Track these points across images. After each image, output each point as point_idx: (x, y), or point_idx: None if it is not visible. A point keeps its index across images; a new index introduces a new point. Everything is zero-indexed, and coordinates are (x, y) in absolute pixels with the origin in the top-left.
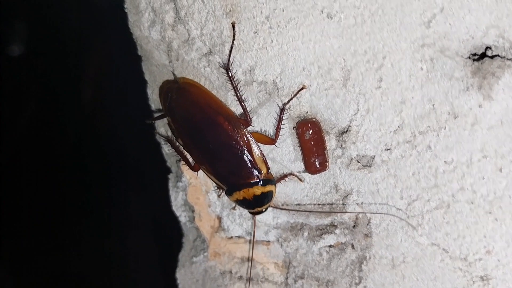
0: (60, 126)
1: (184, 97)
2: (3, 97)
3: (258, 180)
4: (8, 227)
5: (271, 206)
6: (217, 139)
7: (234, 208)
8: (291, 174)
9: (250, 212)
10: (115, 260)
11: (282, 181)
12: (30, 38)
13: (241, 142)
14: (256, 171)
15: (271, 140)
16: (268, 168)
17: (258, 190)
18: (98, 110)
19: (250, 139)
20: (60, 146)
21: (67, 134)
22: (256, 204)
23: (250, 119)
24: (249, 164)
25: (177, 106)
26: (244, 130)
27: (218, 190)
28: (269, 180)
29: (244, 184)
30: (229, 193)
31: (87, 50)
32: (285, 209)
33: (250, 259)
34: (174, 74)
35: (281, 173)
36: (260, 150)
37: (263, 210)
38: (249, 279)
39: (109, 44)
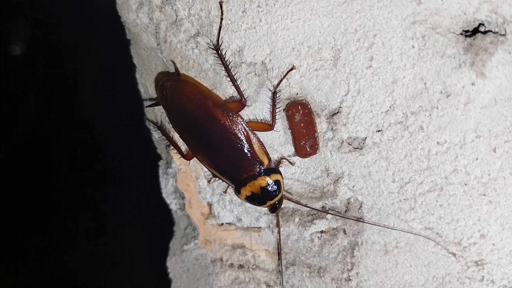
0: (57, 122)
1: (178, 94)
2: (2, 96)
3: (260, 171)
4: (3, 226)
5: (287, 199)
6: (215, 133)
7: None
8: (282, 158)
9: (269, 211)
10: (106, 250)
11: (293, 168)
12: (30, 37)
13: (240, 134)
14: (257, 162)
15: (268, 126)
16: (269, 159)
17: (263, 181)
18: (92, 99)
19: (249, 130)
20: (57, 140)
21: (63, 129)
22: (267, 197)
23: (245, 99)
24: (249, 156)
25: (172, 103)
26: (242, 122)
27: (212, 178)
28: (273, 169)
29: (248, 177)
30: (237, 191)
31: (84, 46)
32: (300, 203)
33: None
34: (175, 66)
35: (272, 158)
36: (260, 141)
37: (277, 204)
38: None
39: (105, 33)
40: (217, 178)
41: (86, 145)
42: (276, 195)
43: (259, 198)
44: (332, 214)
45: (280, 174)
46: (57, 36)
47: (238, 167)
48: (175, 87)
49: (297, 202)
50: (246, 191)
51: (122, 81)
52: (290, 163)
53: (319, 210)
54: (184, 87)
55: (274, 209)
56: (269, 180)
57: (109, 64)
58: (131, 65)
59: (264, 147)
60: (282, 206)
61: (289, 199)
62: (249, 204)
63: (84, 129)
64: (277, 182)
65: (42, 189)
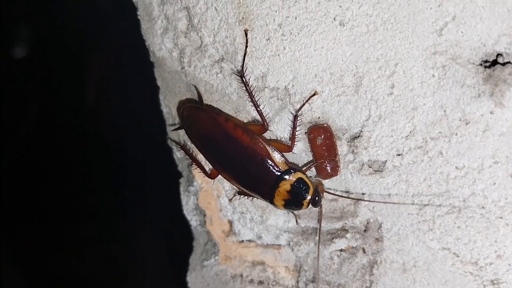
0: (62, 125)
1: (197, 122)
2: (7, 98)
3: (279, 176)
4: (11, 228)
5: (327, 192)
6: (237, 152)
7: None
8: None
9: (313, 206)
10: (126, 263)
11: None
12: (33, 40)
13: (261, 152)
14: (276, 170)
15: (287, 148)
16: (288, 164)
17: (286, 185)
18: (107, 115)
19: (268, 147)
20: (68, 151)
21: (69, 132)
22: (299, 198)
23: (267, 123)
24: (270, 168)
25: (192, 131)
26: (262, 140)
27: (234, 196)
28: (290, 169)
29: (273, 187)
30: (273, 205)
31: (92, 55)
32: (336, 195)
33: (319, 236)
34: (198, 91)
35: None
36: (282, 155)
37: (317, 198)
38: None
39: (119, 50)
40: (240, 197)
41: (107, 161)
42: (307, 192)
43: (293, 202)
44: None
45: (300, 171)
46: (61, 39)
47: (263, 181)
48: (192, 116)
49: (339, 195)
50: (278, 201)
51: (146, 101)
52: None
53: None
54: (201, 114)
55: (315, 203)
56: (292, 180)
57: (132, 83)
58: (153, 85)
59: (286, 160)
60: (302, 226)
61: (330, 193)
62: (269, 223)
63: (97, 136)
64: (300, 180)
65: (51, 191)
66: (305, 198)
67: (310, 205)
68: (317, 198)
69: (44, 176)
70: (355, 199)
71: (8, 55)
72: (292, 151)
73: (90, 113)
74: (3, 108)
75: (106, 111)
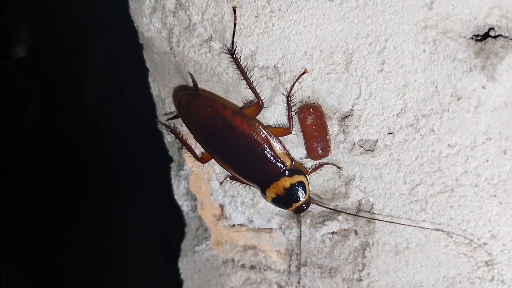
0: (62, 124)
1: (195, 108)
2: (6, 98)
3: (283, 171)
4: (10, 228)
5: (315, 203)
6: (237, 141)
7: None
8: (327, 163)
9: (294, 212)
10: (117, 250)
11: (316, 171)
12: (34, 39)
13: (260, 139)
14: (279, 164)
15: (286, 130)
16: (292, 160)
17: (286, 182)
18: (98, 102)
19: (268, 134)
20: (61, 142)
21: (69, 131)
22: (291, 199)
23: (262, 101)
24: (272, 158)
25: (191, 118)
26: (261, 127)
27: (224, 179)
28: (296, 170)
29: (271, 179)
30: (263, 193)
31: (90, 46)
32: (329, 208)
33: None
34: (192, 78)
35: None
36: (281, 143)
37: (304, 206)
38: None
39: (113, 37)
40: (231, 181)
41: (96, 147)
42: (302, 198)
43: (284, 200)
44: (366, 217)
45: (304, 175)
46: (61, 37)
47: (262, 171)
48: (191, 102)
49: (326, 207)
50: (270, 192)
51: (134, 84)
52: (338, 167)
53: (350, 214)
54: (200, 101)
55: (300, 211)
56: (293, 181)
57: (120, 67)
58: (143, 68)
59: (286, 149)
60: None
61: (318, 204)
62: (260, 206)
63: (93, 131)
64: (300, 184)
65: (50, 191)
66: (297, 202)
67: (294, 210)
68: (304, 207)
69: (41, 175)
70: (343, 212)
71: (8, 54)
72: (292, 132)
73: (89, 110)
74: (2, 107)
75: (105, 110)
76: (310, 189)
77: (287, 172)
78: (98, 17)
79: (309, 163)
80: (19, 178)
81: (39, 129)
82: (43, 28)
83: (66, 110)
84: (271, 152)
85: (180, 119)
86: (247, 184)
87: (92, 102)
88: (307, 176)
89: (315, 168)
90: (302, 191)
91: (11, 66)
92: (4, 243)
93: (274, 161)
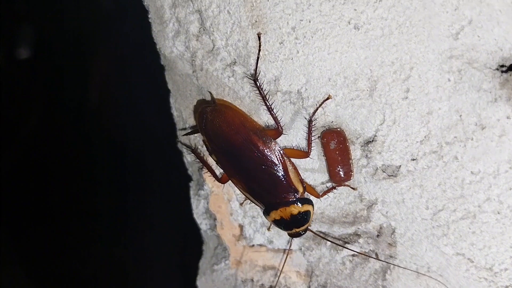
0: (70, 130)
1: (218, 118)
2: (10, 99)
3: (295, 199)
4: (18, 229)
5: (310, 231)
6: (252, 159)
7: (269, 229)
8: (339, 185)
9: (289, 234)
10: (135, 267)
11: (327, 194)
12: (37, 41)
13: (276, 161)
14: (292, 190)
15: (304, 154)
16: (304, 188)
17: (295, 210)
18: (111, 117)
19: (285, 157)
20: (73, 153)
21: (78, 130)
22: (294, 225)
23: (281, 127)
24: (285, 183)
25: (212, 127)
26: (279, 149)
27: (244, 201)
28: (307, 200)
29: (281, 203)
30: (266, 213)
31: (96, 57)
32: (323, 238)
33: (278, 276)
34: (211, 95)
35: (315, 185)
36: (296, 168)
37: (302, 232)
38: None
39: (123, 52)
40: (249, 202)
41: (113, 151)
42: (303, 225)
43: (286, 223)
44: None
45: (312, 205)
46: (65, 40)
47: (273, 193)
48: (216, 112)
49: (318, 235)
50: (275, 215)
51: (156, 104)
52: (352, 188)
53: (338, 244)
54: (224, 111)
55: (296, 235)
56: (301, 209)
57: (142, 86)
58: (164, 89)
59: (300, 175)
60: (314, 230)
61: (312, 231)
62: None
63: (110, 134)
64: (307, 213)
65: (62, 192)
66: (298, 228)
67: (291, 233)
68: (302, 233)
69: (48, 177)
70: (337, 244)
71: (12, 56)
72: (309, 156)
73: (94, 115)
74: (7, 108)
75: (110, 114)
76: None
77: (299, 201)
78: (104, 17)
79: (320, 187)
80: (22, 178)
81: (43, 130)
82: (46, 29)
83: (71, 113)
84: (285, 176)
85: (199, 140)
86: (254, 203)
87: (98, 104)
88: (313, 206)
89: (327, 191)
90: (306, 219)
91: (14, 68)
92: (8, 244)
93: (287, 185)
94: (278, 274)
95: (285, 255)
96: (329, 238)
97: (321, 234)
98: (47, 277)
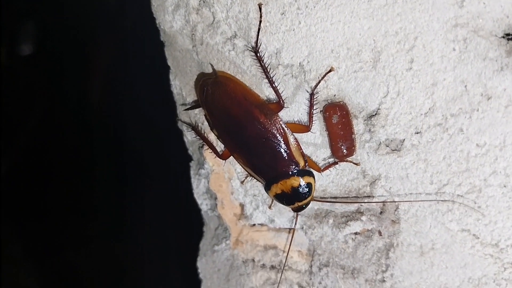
0: (69, 121)
1: (219, 91)
2: (13, 95)
3: (295, 171)
4: (18, 226)
5: (314, 200)
6: (254, 132)
7: (270, 207)
8: (341, 161)
9: (292, 209)
10: (135, 249)
11: (329, 169)
12: (40, 37)
13: (278, 134)
14: (293, 163)
15: (305, 128)
16: (305, 161)
17: (295, 182)
18: (115, 97)
19: (287, 131)
20: (69, 139)
21: (76, 128)
22: (296, 198)
23: (283, 100)
24: (286, 156)
25: (213, 99)
26: (280, 122)
27: (246, 178)
28: (307, 171)
29: (281, 175)
30: (267, 188)
31: (98, 47)
32: (329, 201)
33: (286, 257)
34: (213, 67)
35: (317, 160)
36: (297, 142)
37: (304, 205)
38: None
39: (126, 41)
40: (251, 178)
41: (106, 144)
42: (306, 198)
43: (288, 197)
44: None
45: (313, 177)
46: (68, 34)
47: (274, 166)
48: (217, 84)
49: (327, 201)
50: (276, 188)
51: (154, 82)
52: (355, 163)
53: (348, 202)
54: (225, 83)
55: (299, 210)
56: (302, 181)
57: (141, 63)
58: (164, 66)
59: (301, 149)
60: (316, 208)
61: (318, 200)
62: (282, 205)
63: (103, 129)
64: (309, 185)
65: (57, 189)
66: (300, 201)
67: (293, 208)
68: (304, 206)
69: (49, 173)
70: (342, 202)
71: (14, 52)
72: (310, 130)
73: (98, 105)
74: (9, 105)
75: (113, 103)
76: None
77: (299, 172)
78: (106, 13)
79: (322, 163)
80: (23, 175)
81: (46, 127)
82: (49, 26)
83: (73, 107)
84: (286, 149)
85: (199, 117)
86: (255, 178)
87: (100, 99)
88: (315, 178)
89: (329, 166)
90: (308, 191)
91: (18, 64)
92: (9, 242)
93: (288, 159)
94: (286, 255)
95: (290, 235)
96: (331, 200)
97: (327, 203)
98: (50, 273)
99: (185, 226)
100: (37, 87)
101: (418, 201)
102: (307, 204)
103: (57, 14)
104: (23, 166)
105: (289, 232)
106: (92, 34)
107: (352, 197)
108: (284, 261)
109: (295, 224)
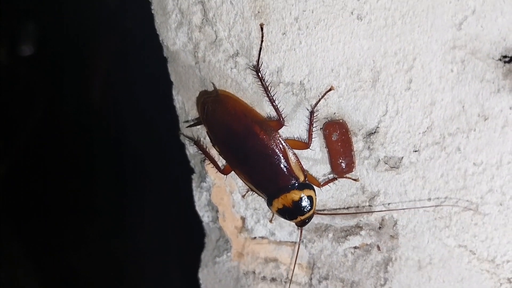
0: (72, 119)
1: (220, 108)
2: (14, 96)
3: (295, 185)
4: (18, 226)
5: (317, 213)
6: (254, 149)
7: (271, 221)
8: (340, 177)
9: (296, 224)
10: (137, 260)
11: (328, 185)
12: (40, 38)
13: (277, 150)
14: (293, 178)
15: (304, 145)
16: (305, 176)
17: (296, 195)
18: (114, 111)
19: (286, 146)
20: (76, 148)
21: (80, 127)
22: (298, 212)
23: (283, 119)
24: (285, 171)
25: (214, 117)
26: (280, 138)
27: (247, 192)
28: (307, 185)
29: (281, 190)
30: (269, 203)
31: (98, 52)
32: (331, 214)
33: (293, 271)
34: (214, 86)
35: (318, 176)
36: (297, 157)
37: (307, 220)
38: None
39: (126, 46)
40: (252, 193)
41: (113, 145)
42: (308, 211)
43: (290, 211)
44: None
45: (314, 190)
46: (68, 37)
47: (274, 181)
48: (217, 101)
49: (328, 213)
50: (278, 203)
51: (159, 96)
52: (354, 179)
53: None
54: (226, 101)
55: (302, 224)
56: (302, 194)
57: (145, 78)
58: (166, 81)
59: (301, 164)
60: (316, 222)
61: (320, 213)
62: (282, 219)
63: (110, 130)
64: (309, 198)
65: (56, 190)
66: (303, 215)
67: (296, 222)
68: (307, 221)
69: (49, 173)
70: (349, 213)
71: (15, 52)
72: (310, 147)
73: (97, 109)
74: (10, 105)
75: (112, 108)
76: (317, 203)
77: (299, 186)
78: (106, 13)
79: (322, 179)
80: (23, 175)
81: (46, 127)
82: (49, 26)
83: (74, 109)
84: (286, 164)
85: (202, 132)
86: (256, 193)
87: (100, 100)
88: (315, 191)
89: (328, 181)
90: (309, 205)
91: (17, 65)
92: (7, 242)
93: (287, 174)
94: (292, 268)
95: (291, 248)
96: (332, 213)
97: (327, 217)
98: (49, 273)
99: (186, 236)
100: (37, 87)
101: (417, 207)
102: (309, 218)
103: (57, 14)
104: (23, 166)
105: (290, 246)
106: (92, 35)
107: (351, 213)
108: (285, 274)
109: (300, 239)
